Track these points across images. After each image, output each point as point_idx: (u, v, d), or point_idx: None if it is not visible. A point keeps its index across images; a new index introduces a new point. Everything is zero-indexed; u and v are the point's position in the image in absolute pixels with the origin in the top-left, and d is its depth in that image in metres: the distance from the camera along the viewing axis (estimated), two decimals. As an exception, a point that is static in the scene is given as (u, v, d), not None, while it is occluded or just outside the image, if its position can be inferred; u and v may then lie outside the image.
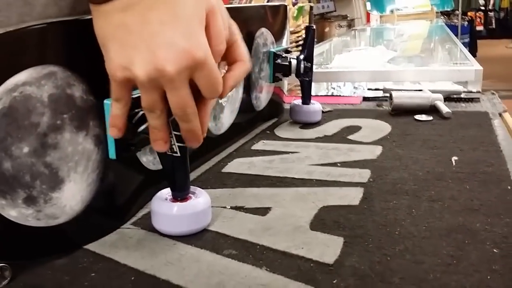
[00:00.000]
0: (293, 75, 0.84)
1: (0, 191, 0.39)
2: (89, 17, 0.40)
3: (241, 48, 0.46)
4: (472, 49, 6.07)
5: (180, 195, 0.48)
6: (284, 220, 0.50)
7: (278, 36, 0.87)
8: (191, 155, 0.50)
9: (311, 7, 0.86)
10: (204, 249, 0.45)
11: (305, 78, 0.84)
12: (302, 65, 0.82)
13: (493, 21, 8.41)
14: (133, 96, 0.42)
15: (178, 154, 0.45)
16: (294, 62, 0.83)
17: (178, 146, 0.45)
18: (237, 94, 0.75)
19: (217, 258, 0.43)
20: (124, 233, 0.49)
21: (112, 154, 0.45)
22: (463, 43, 5.30)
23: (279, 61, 0.83)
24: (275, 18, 0.87)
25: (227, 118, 0.73)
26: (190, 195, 0.49)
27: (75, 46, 0.44)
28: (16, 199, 0.40)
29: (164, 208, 0.48)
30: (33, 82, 0.40)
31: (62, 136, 0.42)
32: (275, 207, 0.53)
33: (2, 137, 0.38)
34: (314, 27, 0.84)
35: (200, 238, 0.47)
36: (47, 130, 0.41)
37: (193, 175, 0.64)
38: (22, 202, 0.40)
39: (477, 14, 7.95)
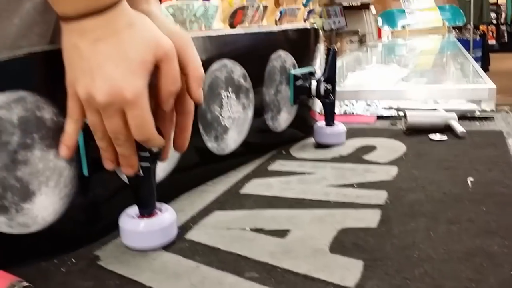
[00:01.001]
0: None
1: None
2: (57, 47, 0.45)
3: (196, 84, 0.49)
4: (485, 63, 6.06)
5: (146, 211, 0.52)
6: (304, 242, 0.51)
7: (304, 58, 0.89)
8: (205, 172, 0.52)
9: (331, 29, 0.87)
10: (226, 271, 0.46)
11: (326, 99, 0.85)
12: (322, 87, 0.83)
13: (505, 35, 8.39)
14: None
15: (141, 174, 0.49)
16: (314, 83, 0.84)
17: (142, 166, 0.49)
18: (246, 115, 0.76)
19: (240, 281, 0.44)
20: (148, 255, 0.50)
21: (85, 171, 0.51)
22: (476, 57, 5.29)
23: (299, 83, 0.84)
24: (299, 41, 0.89)
25: (233, 138, 0.74)
26: (156, 210, 0.52)
27: (44, 74, 0.48)
28: None
29: (131, 224, 0.51)
30: (3, 106, 0.44)
31: (32, 153, 0.47)
32: (294, 229, 0.54)
33: None
34: (336, 48, 0.85)
35: (222, 260, 0.48)
36: (17, 148, 0.45)
37: (211, 196, 0.65)
38: None
39: (489, 28, 7.93)
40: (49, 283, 0.46)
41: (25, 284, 0.42)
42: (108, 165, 0.49)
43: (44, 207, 0.48)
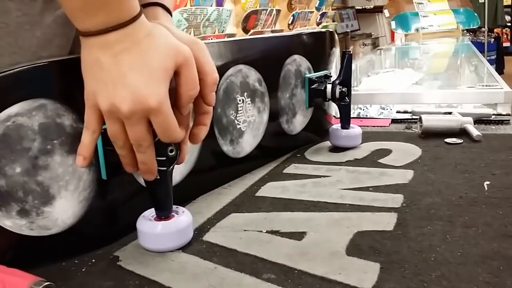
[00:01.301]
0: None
1: None
2: (76, 57, 0.47)
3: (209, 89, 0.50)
4: (499, 66, 6.00)
5: (163, 214, 0.53)
6: (320, 245, 0.51)
7: (319, 62, 0.89)
8: (217, 176, 0.56)
9: (347, 33, 0.87)
10: (244, 272, 0.47)
11: (342, 102, 0.86)
12: (337, 90, 0.84)
13: (520, 37, 8.29)
14: None
15: (158, 177, 0.50)
16: (329, 87, 0.84)
17: (159, 170, 0.50)
18: (261, 119, 0.77)
19: (257, 282, 0.45)
20: (167, 256, 0.51)
21: (103, 175, 0.52)
22: (490, 60, 5.24)
23: (314, 86, 0.85)
24: (314, 45, 0.89)
25: (249, 142, 0.75)
26: (173, 213, 0.53)
27: (63, 83, 0.49)
28: (10, 211, 0.46)
29: (148, 226, 0.52)
30: (24, 113, 0.46)
31: (53, 158, 0.48)
32: (310, 231, 0.55)
33: None
34: (351, 52, 0.85)
35: (239, 262, 0.49)
36: (38, 153, 0.47)
37: (228, 199, 0.66)
38: (16, 214, 0.46)
39: (504, 30, 7.85)
40: (70, 282, 0.47)
41: (47, 283, 0.43)
42: (129, 169, 0.50)
43: (63, 210, 0.49)
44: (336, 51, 0.95)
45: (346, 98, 0.85)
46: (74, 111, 0.49)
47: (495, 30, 6.77)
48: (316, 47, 0.90)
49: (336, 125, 0.90)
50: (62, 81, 0.49)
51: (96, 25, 0.43)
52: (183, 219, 0.53)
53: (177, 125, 0.46)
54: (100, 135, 0.48)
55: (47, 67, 0.48)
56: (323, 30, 0.93)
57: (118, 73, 0.43)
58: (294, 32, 0.81)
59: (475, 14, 3.97)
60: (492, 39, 6.25)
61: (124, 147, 0.47)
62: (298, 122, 0.87)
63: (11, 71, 0.45)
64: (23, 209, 0.46)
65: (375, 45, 5.01)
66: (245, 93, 0.73)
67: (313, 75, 0.86)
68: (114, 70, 0.43)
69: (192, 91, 0.47)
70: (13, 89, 0.46)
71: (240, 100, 0.72)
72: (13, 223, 0.46)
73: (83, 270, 0.49)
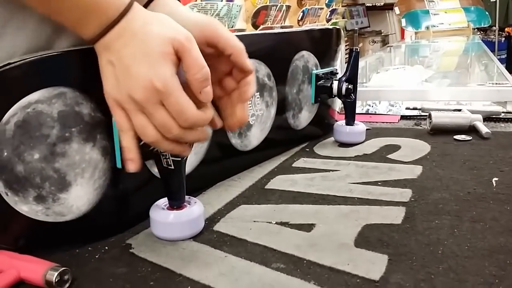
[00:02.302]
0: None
1: (14, 189, 0.46)
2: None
3: (242, 58, 0.51)
4: (510, 64, 5.96)
5: (176, 203, 0.53)
6: (329, 237, 0.52)
7: (326, 58, 0.90)
8: (225, 168, 0.58)
9: (355, 30, 0.87)
10: (254, 262, 0.47)
11: (348, 99, 0.86)
12: (343, 87, 0.84)
13: (532, 37, 8.22)
14: None
15: (173, 167, 0.51)
16: (335, 83, 0.85)
17: (172, 160, 0.51)
18: (269, 113, 0.78)
19: (267, 271, 0.46)
20: (178, 244, 0.52)
21: (118, 164, 0.52)
22: (500, 59, 5.20)
23: (320, 82, 0.86)
24: (322, 41, 0.90)
25: (256, 136, 0.76)
26: (185, 203, 0.54)
27: (83, 71, 0.50)
28: (27, 197, 0.47)
29: (161, 215, 0.53)
30: (44, 100, 0.47)
31: (70, 146, 0.49)
32: (319, 223, 0.55)
33: (16, 145, 0.45)
34: (358, 49, 0.86)
35: (249, 251, 0.50)
36: (56, 140, 0.48)
37: (238, 191, 0.67)
38: (33, 200, 0.47)
39: (515, 29, 7.79)
40: (84, 268, 0.48)
41: (63, 268, 0.44)
42: (185, 153, 0.50)
43: (79, 197, 0.50)
44: (342, 48, 0.95)
45: (352, 95, 0.86)
46: (93, 100, 0.50)
47: (506, 29, 6.71)
48: (323, 44, 0.91)
49: (341, 121, 0.90)
50: (82, 70, 0.50)
51: (94, 30, 0.45)
52: (195, 209, 0.54)
53: (193, 107, 0.46)
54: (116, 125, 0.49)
55: (67, 55, 0.49)
56: (331, 27, 0.93)
57: (124, 67, 0.44)
58: (302, 28, 0.81)
59: (486, 13, 3.94)
60: (503, 38, 6.20)
61: (157, 136, 0.46)
62: (304, 118, 0.88)
63: (33, 58, 0.46)
64: (40, 195, 0.47)
65: (384, 42, 4.99)
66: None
67: (320, 71, 0.87)
68: (120, 65, 0.44)
69: (197, 75, 0.46)
70: (34, 76, 0.47)
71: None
72: (30, 209, 0.47)
73: (97, 256, 0.50)
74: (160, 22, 0.46)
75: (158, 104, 0.45)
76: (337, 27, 0.96)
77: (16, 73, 0.45)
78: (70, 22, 0.46)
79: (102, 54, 0.46)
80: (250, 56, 0.72)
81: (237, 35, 0.72)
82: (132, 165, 0.48)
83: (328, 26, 2.73)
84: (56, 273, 0.43)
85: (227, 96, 0.54)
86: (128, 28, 0.45)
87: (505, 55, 6.02)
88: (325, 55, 0.90)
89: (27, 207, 0.47)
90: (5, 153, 0.45)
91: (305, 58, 0.84)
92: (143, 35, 0.45)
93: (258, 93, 0.74)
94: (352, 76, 0.86)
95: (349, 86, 0.85)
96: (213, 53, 0.51)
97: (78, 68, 0.50)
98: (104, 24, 0.45)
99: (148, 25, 0.45)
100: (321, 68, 0.88)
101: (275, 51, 0.78)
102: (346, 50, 1.07)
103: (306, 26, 2.83)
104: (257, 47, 0.75)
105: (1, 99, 0.45)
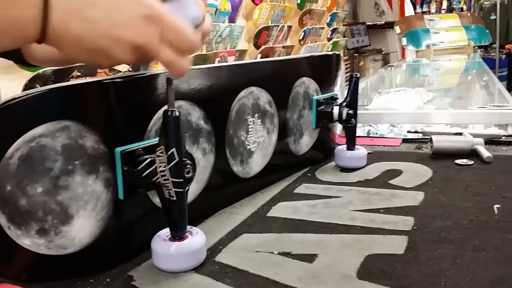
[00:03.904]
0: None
1: (16, 223, 0.46)
2: (101, 79, 0.49)
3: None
4: (511, 82, 5.97)
5: (178, 234, 0.53)
6: (331, 268, 0.52)
7: (326, 83, 0.91)
8: (227, 196, 0.60)
9: (355, 56, 0.88)
10: (256, 295, 0.47)
11: (348, 124, 0.87)
12: (344, 112, 0.85)
13: (532, 54, 8.25)
14: (141, 146, 0.52)
15: (175, 198, 0.51)
16: (336, 108, 0.86)
17: (175, 191, 0.51)
18: (270, 140, 0.78)
19: (269, 305, 0.46)
20: (180, 277, 0.52)
21: (120, 195, 0.53)
22: (501, 76, 5.21)
23: (321, 108, 0.87)
24: (321, 67, 0.91)
25: (258, 162, 0.76)
26: (187, 234, 0.54)
27: (87, 105, 0.51)
28: (30, 230, 0.47)
29: (163, 247, 0.53)
30: (48, 134, 0.47)
31: (73, 179, 0.49)
32: (321, 254, 0.55)
33: (19, 179, 0.46)
34: (358, 75, 0.87)
35: (251, 283, 0.49)
36: (59, 173, 0.48)
37: (239, 219, 0.67)
38: (35, 233, 0.47)
39: (515, 47, 7.82)
40: (86, 302, 0.48)
41: (65, 303, 0.44)
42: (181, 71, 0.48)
43: (81, 229, 0.50)
44: (341, 72, 0.96)
45: (353, 119, 0.86)
46: (96, 133, 0.50)
47: (507, 46, 6.75)
48: (323, 70, 0.92)
49: (342, 146, 0.91)
50: (86, 104, 0.51)
51: (34, 17, 0.40)
52: (197, 240, 0.54)
53: (189, 29, 0.46)
54: (119, 155, 0.50)
55: (72, 89, 0.50)
56: (330, 53, 0.94)
57: (105, 26, 0.42)
58: (302, 55, 0.83)
59: (487, 31, 3.97)
60: (504, 55, 6.23)
61: (163, 44, 0.45)
62: (305, 143, 0.88)
63: (37, 93, 0.47)
64: (42, 228, 0.47)
65: (385, 60, 5.01)
66: (256, 114, 0.74)
67: (321, 96, 0.88)
68: (99, 25, 0.42)
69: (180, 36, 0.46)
70: (39, 110, 0.47)
71: (251, 121, 0.73)
72: (32, 242, 0.47)
73: (98, 289, 0.50)
74: None
75: (159, 43, 0.44)
76: (337, 52, 0.97)
77: (21, 108, 0.46)
78: (6, 32, 0.40)
79: (62, 42, 0.42)
80: (252, 84, 0.73)
81: (238, 64, 0.73)
82: (182, 70, 0.48)
83: (330, 48, 2.74)
84: (57, 308, 0.43)
85: None
86: None
87: (506, 72, 6.04)
88: (325, 81, 0.91)
89: (29, 241, 0.47)
90: (8, 187, 0.45)
91: (306, 84, 0.85)
92: None
93: (259, 120, 0.75)
94: (352, 101, 0.86)
95: (350, 111, 0.86)
96: None
97: (82, 102, 0.51)
98: (36, 9, 0.39)
99: None
100: (322, 94, 0.89)
101: (276, 78, 0.79)
102: (346, 69, 1.08)
103: (307, 45, 2.84)
104: (258, 74, 0.75)
105: (5, 134, 0.46)
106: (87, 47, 0.43)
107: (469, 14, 4.16)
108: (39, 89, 0.47)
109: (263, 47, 2.41)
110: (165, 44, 0.45)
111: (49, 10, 0.40)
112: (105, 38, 0.43)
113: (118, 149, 0.52)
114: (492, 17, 5.75)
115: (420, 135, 1.10)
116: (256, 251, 0.57)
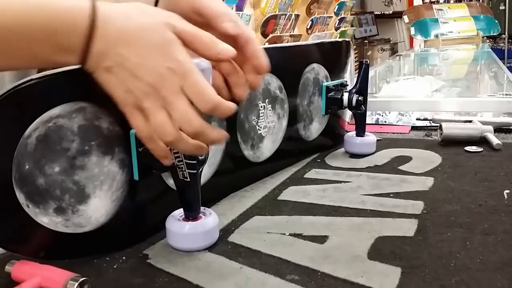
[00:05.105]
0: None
1: (35, 202, 0.47)
2: None
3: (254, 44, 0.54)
4: (520, 73, 5.93)
5: (191, 214, 0.55)
6: (342, 249, 0.53)
7: (336, 70, 0.91)
8: (238, 179, 0.62)
9: (363, 37, 0.88)
10: (269, 273, 0.48)
11: (358, 111, 0.87)
12: (354, 98, 0.85)
13: (542, 44, 8.18)
14: None
15: (188, 180, 0.53)
16: (346, 95, 0.86)
17: (189, 173, 0.52)
18: (280, 125, 0.79)
19: (282, 283, 0.46)
20: (194, 255, 0.53)
21: (136, 176, 0.54)
22: (510, 67, 5.17)
23: (331, 94, 0.87)
24: (332, 54, 0.91)
25: (268, 147, 0.77)
26: (200, 215, 0.55)
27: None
28: (47, 209, 0.48)
29: (177, 226, 0.54)
30: (65, 115, 0.48)
31: (89, 159, 0.50)
32: (332, 235, 0.56)
33: (38, 159, 0.47)
34: (368, 62, 0.87)
35: (264, 263, 0.50)
36: (76, 154, 0.49)
37: (251, 202, 0.68)
38: (53, 212, 0.48)
39: (525, 37, 7.75)
40: (102, 278, 0.49)
41: (83, 278, 0.45)
42: (202, 150, 0.49)
43: (97, 208, 0.52)
44: (351, 59, 0.97)
45: (362, 106, 0.87)
46: (111, 114, 0.51)
47: (516, 36, 6.68)
48: (333, 56, 0.92)
49: (351, 132, 0.91)
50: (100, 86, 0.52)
51: (76, 47, 0.42)
52: (210, 221, 0.55)
53: (212, 88, 0.45)
54: (134, 136, 0.51)
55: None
56: (340, 39, 0.95)
57: (130, 67, 0.43)
58: (313, 41, 0.83)
59: (496, 21, 3.93)
60: (513, 46, 6.17)
61: (177, 134, 0.45)
62: (315, 129, 0.89)
63: (53, 75, 0.47)
64: (59, 207, 0.49)
65: (393, 50, 4.99)
66: (267, 100, 0.75)
67: (331, 83, 0.88)
68: (125, 69, 0.43)
69: (208, 52, 0.46)
70: (55, 91, 0.48)
71: (261, 107, 0.74)
72: (50, 220, 0.49)
73: (114, 267, 0.51)
74: (138, 11, 0.44)
75: (178, 92, 0.44)
76: (347, 39, 0.97)
77: (38, 89, 0.47)
78: (45, 55, 0.43)
79: (96, 68, 0.44)
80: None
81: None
82: (167, 161, 0.50)
83: (337, 37, 2.74)
84: (76, 284, 0.44)
85: (234, 70, 0.53)
86: (109, 28, 0.42)
87: (515, 63, 5.99)
88: (335, 67, 0.92)
89: (47, 219, 0.48)
90: (27, 166, 0.46)
91: (316, 71, 0.86)
92: (136, 31, 0.43)
93: (270, 105, 0.75)
94: (362, 87, 0.87)
95: (359, 98, 0.86)
96: (202, 21, 0.52)
97: (97, 84, 0.51)
98: (81, 34, 0.41)
99: (132, 19, 0.43)
100: (332, 80, 0.89)
101: (286, 64, 0.79)
102: (355, 58, 1.08)
103: (315, 34, 2.84)
104: (269, 60, 0.76)
105: (23, 114, 0.47)
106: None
107: (478, 4, 4.11)
108: (55, 70, 0.48)
109: (270, 35, 2.41)
110: (183, 97, 0.44)
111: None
112: (129, 75, 0.44)
113: (133, 131, 0.53)
114: (502, 7, 5.69)
115: (429, 123, 1.10)
116: (268, 232, 0.58)
